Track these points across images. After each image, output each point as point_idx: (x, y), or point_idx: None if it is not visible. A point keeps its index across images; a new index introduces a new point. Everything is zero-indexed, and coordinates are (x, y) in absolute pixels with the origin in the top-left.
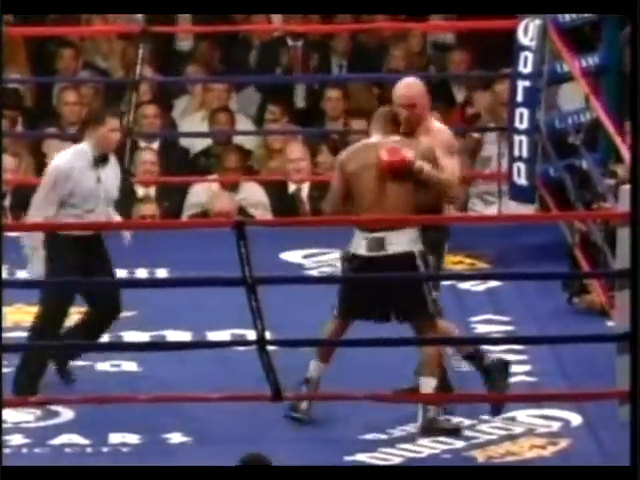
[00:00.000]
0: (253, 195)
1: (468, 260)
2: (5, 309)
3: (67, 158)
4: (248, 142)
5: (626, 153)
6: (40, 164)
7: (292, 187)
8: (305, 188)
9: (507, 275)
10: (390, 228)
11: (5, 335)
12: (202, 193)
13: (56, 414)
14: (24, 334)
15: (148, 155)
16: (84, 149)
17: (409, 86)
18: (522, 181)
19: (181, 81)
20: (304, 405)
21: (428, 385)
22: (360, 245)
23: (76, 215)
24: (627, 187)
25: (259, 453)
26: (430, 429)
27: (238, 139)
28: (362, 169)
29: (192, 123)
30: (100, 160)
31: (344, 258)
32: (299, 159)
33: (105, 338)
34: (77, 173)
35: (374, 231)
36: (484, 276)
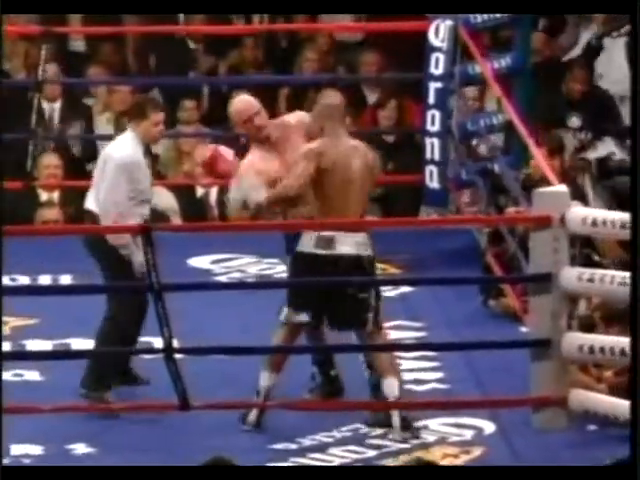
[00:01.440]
0: (162, 200)
1: (380, 265)
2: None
3: (131, 148)
4: (156, 146)
5: (538, 156)
6: None
7: (200, 191)
8: (213, 192)
9: (420, 280)
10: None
11: None
12: None
13: None
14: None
15: (51, 159)
16: (135, 139)
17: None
18: (435, 184)
19: (84, 83)
20: (252, 417)
21: (393, 385)
22: (308, 243)
23: (136, 206)
24: (541, 190)
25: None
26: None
27: None
28: (336, 167)
29: (99, 125)
30: (146, 152)
31: (293, 257)
32: None
33: (7, 347)
34: (143, 163)
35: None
36: (397, 281)
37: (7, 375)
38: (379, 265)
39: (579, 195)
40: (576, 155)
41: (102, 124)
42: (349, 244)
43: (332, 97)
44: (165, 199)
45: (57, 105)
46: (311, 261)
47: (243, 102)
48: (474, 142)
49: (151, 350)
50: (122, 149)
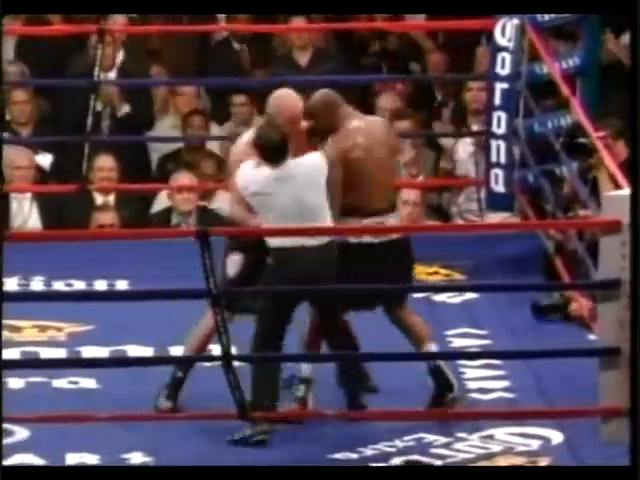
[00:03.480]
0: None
1: (444, 271)
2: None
3: None
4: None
5: (606, 157)
6: None
7: None
8: None
9: (483, 287)
10: (388, 211)
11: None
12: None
13: (10, 433)
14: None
15: (105, 161)
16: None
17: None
18: (500, 188)
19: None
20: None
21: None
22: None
23: None
24: (610, 194)
25: None
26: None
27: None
28: (366, 153)
29: (159, 126)
30: None
31: (339, 249)
32: None
33: (62, 353)
34: None
35: (373, 216)
36: (460, 288)
37: (62, 382)
38: (443, 271)
39: None
40: None
41: (163, 126)
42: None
43: (322, 95)
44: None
45: (118, 106)
46: (365, 250)
47: (294, 97)
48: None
49: (210, 358)
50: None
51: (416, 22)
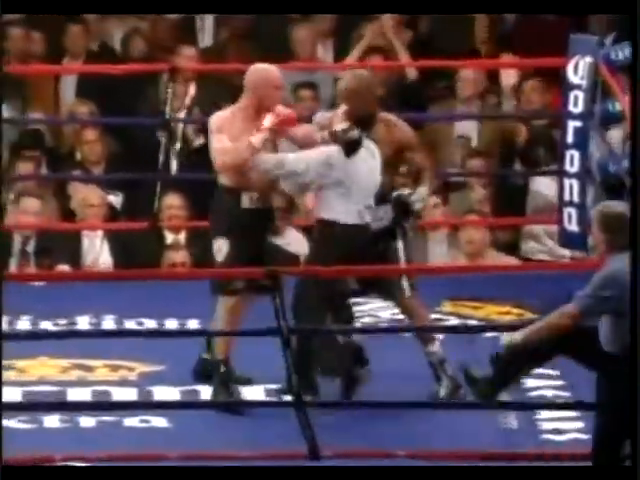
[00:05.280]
0: (293, 243)
1: (516, 310)
2: (28, 362)
3: None
4: None
5: None
6: (65, 207)
7: None
8: None
9: None
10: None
11: (30, 389)
12: None
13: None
14: (49, 388)
15: (173, 199)
16: None
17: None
18: (573, 227)
19: None
20: None
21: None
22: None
23: None
24: None
25: None
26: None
27: None
28: None
29: None
30: None
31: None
32: None
33: (133, 394)
34: None
35: None
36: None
37: (134, 421)
38: (515, 311)
39: None
40: None
41: None
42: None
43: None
44: (296, 243)
45: (193, 139)
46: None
47: (274, 68)
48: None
49: (280, 404)
50: None
51: (487, 60)
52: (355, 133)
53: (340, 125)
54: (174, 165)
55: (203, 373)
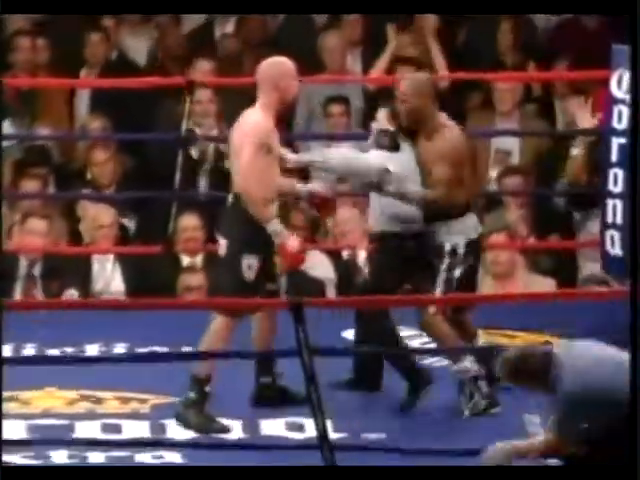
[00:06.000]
0: (317, 267)
1: (555, 340)
2: (33, 393)
3: None
4: None
5: None
6: (74, 229)
7: (346, 252)
8: (362, 253)
9: None
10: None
11: (34, 422)
12: None
13: None
14: (55, 421)
15: (189, 220)
16: None
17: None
18: (616, 251)
19: None
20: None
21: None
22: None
23: None
24: None
25: None
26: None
27: None
28: None
29: None
30: None
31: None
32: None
33: (146, 428)
34: None
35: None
36: None
37: (147, 457)
38: (554, 340)
39: None
40: None
41: None
42: None
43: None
44: (321, 267)
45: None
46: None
47: (286, 59)
48: None
49: (306, 446)
50: None
51: (529, 73)
52: (388, 136)
53: (380, 126)
54: (202, 183)
55: (265, 399)
